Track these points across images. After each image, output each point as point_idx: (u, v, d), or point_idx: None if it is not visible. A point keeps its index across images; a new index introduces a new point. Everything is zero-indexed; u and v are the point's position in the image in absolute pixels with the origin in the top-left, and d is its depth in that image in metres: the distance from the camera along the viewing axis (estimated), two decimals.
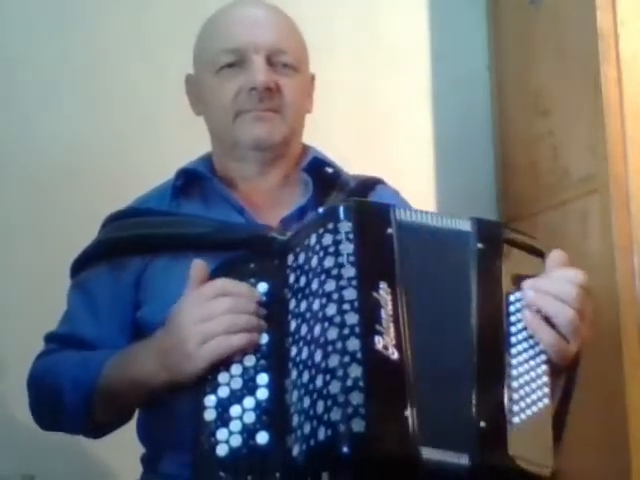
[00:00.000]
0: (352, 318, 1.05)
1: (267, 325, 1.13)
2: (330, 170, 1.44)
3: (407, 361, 1.05)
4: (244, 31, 1.39)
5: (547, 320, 1.13)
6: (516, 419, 1.07)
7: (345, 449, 0.99)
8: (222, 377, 1.12)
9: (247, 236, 1.28)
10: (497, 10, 2.29)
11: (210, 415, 1.10)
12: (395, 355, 1.04)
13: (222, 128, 1.41)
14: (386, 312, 1.06)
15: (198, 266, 1.17)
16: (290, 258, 1.14)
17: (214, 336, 1.12)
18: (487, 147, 2.29)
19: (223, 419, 1.09)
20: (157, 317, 1.25)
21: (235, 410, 1.09)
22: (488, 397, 1.07)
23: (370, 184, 1.48)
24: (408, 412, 1.02)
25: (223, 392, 1.11)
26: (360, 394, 1.01)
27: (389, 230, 1.13)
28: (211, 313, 1.13)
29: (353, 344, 1.03)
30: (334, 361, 1.03)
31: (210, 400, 1.10)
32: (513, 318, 1.14)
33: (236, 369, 1.12)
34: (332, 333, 1.05)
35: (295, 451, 1.04)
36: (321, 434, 1.01)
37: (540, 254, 1.20)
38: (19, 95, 2.00)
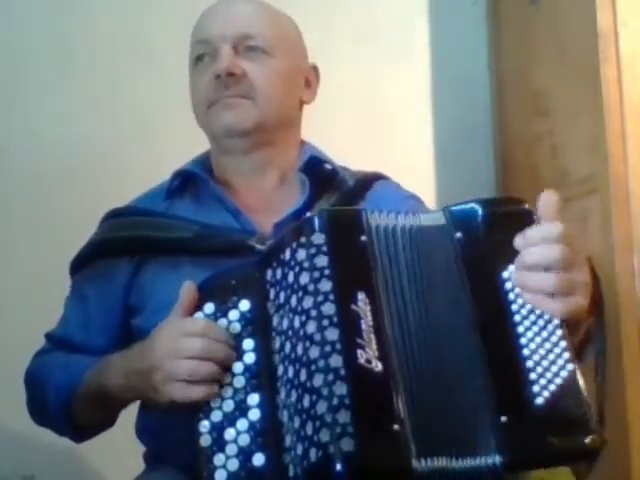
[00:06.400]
0: (332, 334, 1.03)
1: (253, 343, 1.12)
2: (328, 167, 1.42)
3: (392, 371, 1.03)
4: (215, 23, 1.39)
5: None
6: (539, 400, 1.03)
7: (338, 467, 0.97)
8: (213, 400, 1.10)
9: (225, 244, 1.29)
10: (497, 10, 2.29)
11: (205, 441, 1.08)
12: (379, 367, 1.02)
13: (201, 121, 1.41)
14: (366, 323, 1.04)
15: (187, 289, 1.15)
16: (269, 273, 1.12)
17: (176, 379, 1.11)
18: (487, 147, 2.29)
19: (219, 444, 1.08)
20: (151, 325, 1.23)
21: (229, 433, 1.08)
22: (503, 389, 1.04)
23: (368, 181, 1.46)
24: (397, 426, 0.99)
25: (216, 416, 1.09)
26: (347, 412, 0.99)
27: (363, 237, 1.09)
28: (179, 352, 1.11)
29: (336, 361, 1.01)
30: (318, 380, 1.01)
31: (204, 426, 1.09)
32: (512, 295, 1.08)
33: (226, 391, 1.10)
34: (314, 352, 1.03)
35: (291, 471, 1.03)
36: (312, 455, 0.99)
37: (525, 212, 1.11)
38: (19, 95, 2.00)
